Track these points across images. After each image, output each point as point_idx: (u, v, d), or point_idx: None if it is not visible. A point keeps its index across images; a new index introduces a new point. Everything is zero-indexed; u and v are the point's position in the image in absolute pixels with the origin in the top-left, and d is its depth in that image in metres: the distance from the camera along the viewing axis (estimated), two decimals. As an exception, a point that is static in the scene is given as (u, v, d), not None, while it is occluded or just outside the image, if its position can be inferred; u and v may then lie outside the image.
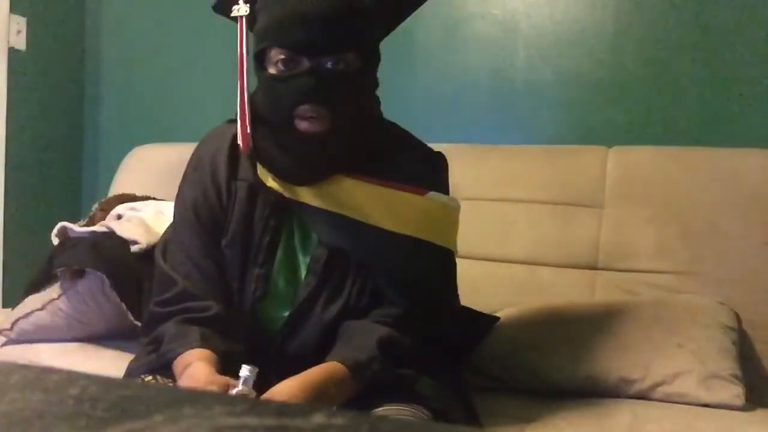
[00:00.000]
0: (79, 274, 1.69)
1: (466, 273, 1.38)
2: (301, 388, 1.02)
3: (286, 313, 1.18)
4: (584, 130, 2.05)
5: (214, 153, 1.24)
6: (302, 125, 1.13)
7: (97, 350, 1.71)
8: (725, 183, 1.67)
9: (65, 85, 2.73)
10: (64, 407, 0.43)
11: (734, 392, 1.36)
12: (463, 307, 1.36)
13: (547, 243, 1.76)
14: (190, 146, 1.31)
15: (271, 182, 1.19)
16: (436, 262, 1.22)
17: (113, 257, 1.65)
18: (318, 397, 1.02)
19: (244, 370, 0.98)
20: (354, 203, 1.18)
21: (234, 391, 0.97)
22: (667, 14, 1.97)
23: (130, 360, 1.26)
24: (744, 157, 1.72)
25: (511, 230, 1.81)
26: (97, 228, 1.76)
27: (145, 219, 1.76)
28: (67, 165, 2.76)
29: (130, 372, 1.20)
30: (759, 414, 1.35)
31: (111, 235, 1.72)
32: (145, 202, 1.91)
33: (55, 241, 1.79)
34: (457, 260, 1.27)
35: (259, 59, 1.16)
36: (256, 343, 1.16)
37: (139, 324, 1.50)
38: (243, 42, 1.16)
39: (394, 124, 1.29)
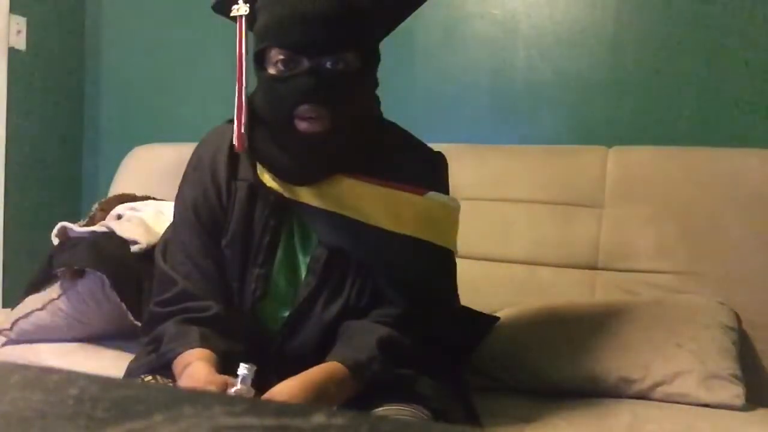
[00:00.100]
0: (79, 274, 1.69)
1: (466, 273, 1.38)
2: (302, 388, 1.02)
3: (286, 313, 1.18)
4: (584, 130, 2.05)
5: (214, 153, 1.24)
6: (302, 125, 1.13)
7: (97, 350, 1.71)
8: (725, 183, 1.67)
9: (65, 85, 2.73)
10: (64, 407, 0.43)
11: (734, 392, 1.36)
12: (463, 307, 1.36)
13: (547, 243, 1.76)
14: (190, 146, 1.31)
15: (271, 182, 1.19)
16: (436, 262, 1.22)
17: (113, 257, 1.66)
18: (318, 397, 1.02)
19: (243, 369, 0.98)
20: (354, 203, 1.18)
21: (233, 390, 0.97)
22: (667, 14, 1.97)
23: (130, 360, 1.26)
24: (744, 157, 1.72)
25: (511, 230, 1.80)
26: (97, 228, 1.76)
27: (145, 219, 1.76)
28: (67, 165, 2.76)
29: (130, 372, 1.21)
30: (759, 414, 1.35)
31: (111, 235, 1.72)
32: (145, 202, 1.91)
33: (55, 241, 1.79)
34: (457, 260, 1.27)
35: (259, 59, 1.16)
36: (256, 343, 1.16)
37: (139, 324, 1.50)
38: (242, 42, 1.16)
39: (394, 124, 1.29)
